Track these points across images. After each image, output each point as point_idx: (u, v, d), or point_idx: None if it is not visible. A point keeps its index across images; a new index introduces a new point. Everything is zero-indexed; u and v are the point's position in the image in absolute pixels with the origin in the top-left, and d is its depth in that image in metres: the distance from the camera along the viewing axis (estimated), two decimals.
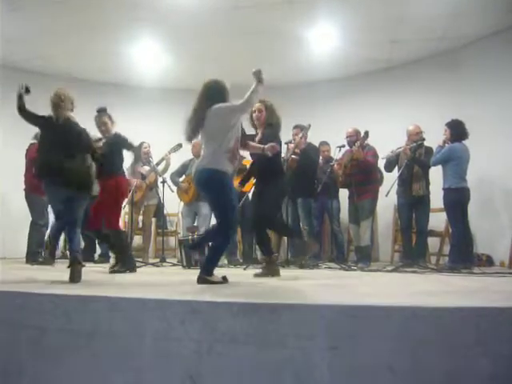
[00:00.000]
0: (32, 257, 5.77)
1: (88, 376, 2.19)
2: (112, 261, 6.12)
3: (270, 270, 3.97)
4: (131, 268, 4.51)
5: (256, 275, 3.91)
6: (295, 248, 4.19)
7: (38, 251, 5.93)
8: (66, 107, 3.85)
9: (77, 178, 3.68)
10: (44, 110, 3.88)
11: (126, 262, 4.52)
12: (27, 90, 3.77)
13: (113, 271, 4.45)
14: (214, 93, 3.37)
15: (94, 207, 4.53)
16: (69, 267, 3.40)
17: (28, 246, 5.91)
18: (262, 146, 3.86)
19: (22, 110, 3.73)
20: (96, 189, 4.93)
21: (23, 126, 4.01)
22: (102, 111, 4.66)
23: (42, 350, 2.30)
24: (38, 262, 5.56)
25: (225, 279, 3.24)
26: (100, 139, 4.47)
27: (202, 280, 3.15)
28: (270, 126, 4.13)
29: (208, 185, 3.30)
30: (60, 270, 4.54)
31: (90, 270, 4.91)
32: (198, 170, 3.35)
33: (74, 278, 3.32)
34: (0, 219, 6.94)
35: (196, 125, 3.35)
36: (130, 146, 4.66)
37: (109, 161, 4.49)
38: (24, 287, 2.83)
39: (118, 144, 4.60)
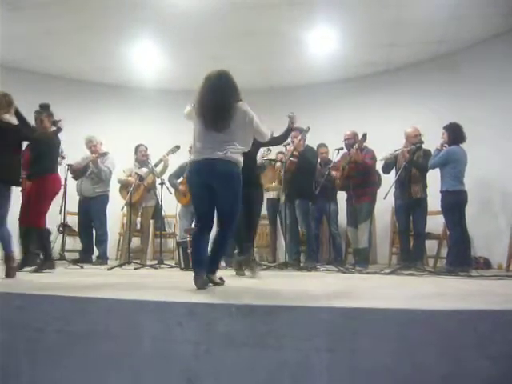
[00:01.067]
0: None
1: (86, 378, 2.18)
2: (110, 262, 6.13)
3: (254, 271, 4.05)
4: (49, 266, 4.58)
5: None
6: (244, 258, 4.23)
7: (36, 253, 5.91)
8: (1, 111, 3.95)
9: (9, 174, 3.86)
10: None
11: (43, 263, 4.60)
12: None
13: (33, 270, 4.51)
14: (234, 84, 3.29)
15: (23, 204, 4.73)
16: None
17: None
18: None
19: None
20: None
21: None
22: (42, 108, 4.73)
23: (40, 351, 2.29)
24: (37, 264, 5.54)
25: (222, 280, 3.23)
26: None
27: (208, 280, 3.09)
28: None
29: (234, 177, 3.18)
30: (57, 272, 4.55)
31: (87, 272, 4.92)
32: (214, 161, 3.14)
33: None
34: None
35: (223, 116, 3.17)
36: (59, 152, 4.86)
37: (40, 158, 4.63)
38: (22, 288, 2.83)
39: (50, 143, 4.72)
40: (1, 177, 3.79)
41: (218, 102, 3.19)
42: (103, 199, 6.52)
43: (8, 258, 3.74)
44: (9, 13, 5.94)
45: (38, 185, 4.59)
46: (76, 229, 6.80)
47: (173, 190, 6.17)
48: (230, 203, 3.21)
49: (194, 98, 3.34)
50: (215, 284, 3.14)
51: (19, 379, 2.30)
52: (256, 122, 3.34)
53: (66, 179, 5.81)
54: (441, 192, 5.19)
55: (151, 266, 5.54)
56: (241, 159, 3.25)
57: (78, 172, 6.40)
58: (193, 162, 3.27)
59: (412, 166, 5.30)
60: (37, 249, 4.91)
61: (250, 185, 4.02)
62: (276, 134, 4.49)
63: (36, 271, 4.50)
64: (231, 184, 3.19)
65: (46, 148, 4.68)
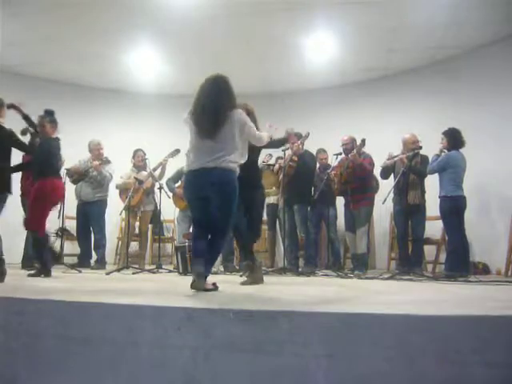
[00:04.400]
0: (28, 262, 5.74)
1: (83, 383, 2.17)
2: (109, 267, 6.13)
3: (255, 277, 3.93)
4: (45, 273, 4.53)
5: (242, 284, 3.85)
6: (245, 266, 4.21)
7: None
8: None
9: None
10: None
11: (41, 269, 4.57)
12: None
13: (29, 275, 4.53)
14: (230, 91, 3.25)
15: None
16: None
17: (24, 251, 5.88)
18: None
19: None
20: None
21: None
22: (47, 113, 4.73)
23: (37, 356, 2.28)
24: (34, 268, 5.53)
25: (215, 286, 3.18)
26: (27, 129, 4.56)
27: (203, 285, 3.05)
28: None
29: (230, 185, 3.15)
30: (55, 276, 4.54)
31: (86, 277, 4.91)
32: (219, 167, 3.11)
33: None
34: None
35: (217, 123, 3.14)
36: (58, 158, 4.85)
37: (40, 162, 4.65)
38: (20, 293, 2.82)
39: (51, 148, 4.72)
40: None
41: (210, 108, 3.15)
42: (102, 204, 6.52)
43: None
44: (8, 18, 5.95)
45: (37, 188, 4.58)
46: (74, 233, 6.79)
47: (171, 195, 6.17)
48: (224, 212, 3.18)
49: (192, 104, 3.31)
50: (207, 290, 3.07)
51: (19, 381, 2.29)
52: (249, 127, 3.30)
53: (64, 183, 5.80)
54: (439, 197, 5.20)
55: (149, 271, 5.53)
56: (237, 167, 3.22)
57: (76, 176, 6.40)
58: (188, 171, 3.24)
59: (410, 171, 5.30)
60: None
61: (250, 187, 4.02)
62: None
63: (32, 276, 4.49)
64: (227, 193, 3.17)
65: (45, 152, 4.68)
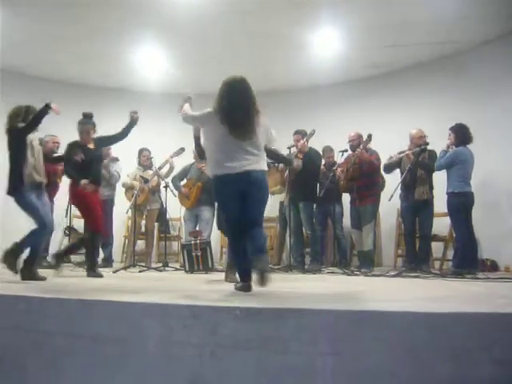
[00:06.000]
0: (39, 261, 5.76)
1: (91, 380, 2.18)
2: (116, 265, 6.16)
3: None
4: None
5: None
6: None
7: (44, 256, 5.93)
8: (15, 120, 4.00)
9: (11, 185, 3.93)
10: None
11: (91, 267, 4.59)
12: None
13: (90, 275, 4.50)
14: (253, 94, 3.20)
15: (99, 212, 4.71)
16: None
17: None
18: None
19: None
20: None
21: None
22: (86, 117, 4.76)
23: (45, 354, 2.30)
24: (43, 267, 5.56)
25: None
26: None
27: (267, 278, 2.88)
28: None
29: (265, 186, 3.18)
30: (62, 275, 4.56)
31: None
32: (253, 170, 3.09)
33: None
34: (4, 223, 6.99)
35: (250, 126, 3.11)
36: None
37: (97, 169, 4.71)
38: (28, 291, 2.83)
39: (99, 153, 4.80)
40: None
41: (247, 113, 3.10)
42: (110, 202, 6.54)
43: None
44: (13, 18, 5.98)
45: (97, 194, 4.69)
46: (81, 232, 6.82)
47: (177, 193, 6.18)
48: (259, 213, 3.19)
49: (213, 103, 3.19)
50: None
51: (24, 382, 2.31)
52: (271, 132, 3.33)
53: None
54: (447, 193, 5.17)
55: (156, 269, 5.55)
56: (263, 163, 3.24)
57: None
58: (224, 175, 3.11)
59: (418, 167, 5.27)
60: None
61: None
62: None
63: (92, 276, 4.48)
64: (263, 192, 3.17)
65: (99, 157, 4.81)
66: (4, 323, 2.42)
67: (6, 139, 3.98)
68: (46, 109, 3.93)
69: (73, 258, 6.22)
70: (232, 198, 3.13)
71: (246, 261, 3.10)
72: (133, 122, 4.85)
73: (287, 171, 5.73)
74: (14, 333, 2.39)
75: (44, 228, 3.96)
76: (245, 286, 3.07)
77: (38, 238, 3.97)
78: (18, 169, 3.93)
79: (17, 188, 3.91)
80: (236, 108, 3.09)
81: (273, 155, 4.03)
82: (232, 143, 3.07)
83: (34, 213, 3.92)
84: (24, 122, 3.96)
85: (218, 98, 3.16)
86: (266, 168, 3.22)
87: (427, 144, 5.31)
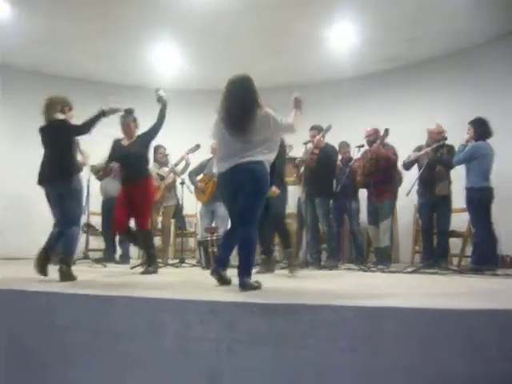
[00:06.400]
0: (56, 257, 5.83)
1: (109, 375, 2.21)
2: (133, 261, 6.21)
3: (267, 267, 4.02)
4: (155, 268, 4.53)
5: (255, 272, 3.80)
6: (286, 255, 4.27)
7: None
8: (51, 111, 3.89)
9: (59, 174, 3.76)
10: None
11: (152, 263, 4.53)
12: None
13: (144, 272, 4.45)
14: (254, 90, 3.26)
15: (120, 210, 4.55)
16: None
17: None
18: None
19: None
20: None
21: None
22: (127, 113, 4.65)
23: (65, 349, 2.33)
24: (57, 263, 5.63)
25: (258, 283, 3.06)
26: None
27: (245, 285, 2.94)
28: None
29: (256, 178, 3.15)
30: (81, 271, 4.61)
31: (110, 271, 4.98)
32: (241, 163, 3.15)
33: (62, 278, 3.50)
34: (26, 220, 7.11)
35: (245, 123, 3.16)
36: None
37: (137, 163, 4.59)
38: (49, 288, 2.87)
39: (143, 146, 4.68)
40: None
41: (240, 110, 3.17)
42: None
43: (60, 261, 3.63)
44: (32, 17, 6.07)
45: (144, 189, 4.55)
46: (99, 228, 6.90)
47: (193, 188, 6.20)
48: (249, 199, 3.16)
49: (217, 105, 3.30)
50: (253, 288, 2.96)
51: (44, 375, 2.35)
52: (276, 122, 3.27)
53: (88, 180, 5.88)
54: (466, 189, 5.09)
55: (172, 265, 5.58)
56: (261, 156, 3.20)
57: (100, 173, 6.48)
58: (219, 174, 3.28)
59: (437, 162, 5.21)
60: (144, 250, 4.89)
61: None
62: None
63: (144, 273, 4.42)
64: (254, 184, 3.15)
65: (142, 150, 4.69)
66: (25, 318, 2.47)
67: (42, 130, 3.92)
68: (100, 116, 3.93)
69: (91, 254, 6.31)
70: (227, 193, 3.28)
71: (227, 253, 3.29)
72: (161, 102, 4.82)
73: (303, 167, 5.71)
74: (34, 327, 2.43)
75: (79, 221, 3.94)
76: (215, 273, 3.15)
77: (76, 236, 3.89)
78: (70, 156, 3.88)
79: (73, 172, 3.84)
80: (230, 108, 3.20)
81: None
82: (229, 141, 3.21)
83: (80, 202, 3.89)
84: (62, 112, 3.92)
85: (220, 102, 3.29)
86: (259, 159, 3.16)
87: (446, 139, 5.25)
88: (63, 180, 3.77)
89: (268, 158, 3.25)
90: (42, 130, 3.90)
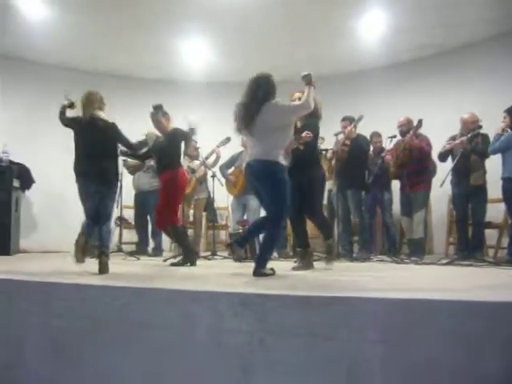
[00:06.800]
0: (90, 250, 5.97)
1: (142, 365, 2.25)
2: (166, 254, 6.31)
3: (305, 263, 3.99)
4: (192, 262, 4.58)
5: (293, 269, 3.91)
6: (326, 247, 4.25)
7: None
8: (91, 106, 3.99)
9: (106, 174, 3.88)
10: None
11: (186, 256, 4.61)
12: (71, 105, 4.11)
13: (173, 264, 4.60)
14: (265, 87, 3.36)
15: (157, 205, 4.84)
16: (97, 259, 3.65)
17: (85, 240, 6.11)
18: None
19: (62, 119, 4.06)
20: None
21: None
22: (156, 109, 4.72)
23: (98, 340, 2.39)
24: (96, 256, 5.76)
25: (273, 270, 3.29)
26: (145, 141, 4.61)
27: (258, 273, 3.19)
28: (310, 116, 3.95)
29: (262, 174, 3.32)
30: (115, 263, 4.72)
31: (144, 263, 5.08)
32: (250, 162, 3.38)
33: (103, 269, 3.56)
34: (61, 215, 7.31)
35: (248, 118, 3.33)
36: (186, 137, 4.91)
37: (165, 156, 4.69)
38: (82, 280, 2.95)
39: (173, 139, 4.75)
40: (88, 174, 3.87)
41: (247, 108, 3.36)
42: (159, 193, 6.67)
43: (102, 254, 3.70)
44: (63, 15, 6.19)
45: (171, 181, 4.65)
46: (132, 222, 7.02)
47: (224, 181, 6.24)
48: (265, 199, 3.39)
49: None
50: (265, 275, 3.20)
51: (81, 366, 2.41)
52: (283, 107, 3.40)
53: (121, 174, 5.99)
54: (502, 179, 4.96)
55: (204, 258, 5.64)
56: (271, 151, 3.30)
57: (132, 167, 6.59)
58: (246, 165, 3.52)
59: (470, 152, 5.08)
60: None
61: (306, 168, 4.04)
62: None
63: (176, 265, 4.57)
64: (260, 182, 3.36)
65: (173, 144, 4.77)
66: (60, 310, 2.53)
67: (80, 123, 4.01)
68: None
69: (124, 247, 6.43)
70: (251, 186, 3.60)
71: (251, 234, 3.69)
72: (191, 133, 5.07)
73: (334, 159, 5.66)
74: (69, 319, 2.49)
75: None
76: (235, 249, 3.47)
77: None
78: (116, 158, 4.11)
79: (118, 174, 4.15)
80: (242, 107, 3.39)
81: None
82: (247, 136, 3.49)
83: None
84: (100, 109, 4.04)
85: None
86: (271, 158, 3.28)
87: (480, 128, 5.11)
88: (111, 181, 3.95)
89: (278, 152, 3.34)
90: (80, 123, 3.98)
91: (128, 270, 4.01)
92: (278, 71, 3.70)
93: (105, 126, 3.95)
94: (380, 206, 6.21)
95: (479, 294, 2.35)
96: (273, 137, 3.31)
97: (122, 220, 6.56)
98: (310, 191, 4.06)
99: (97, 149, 3.86)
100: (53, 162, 7.17)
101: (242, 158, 6.12)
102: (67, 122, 4.05)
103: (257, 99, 3.32)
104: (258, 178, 3.35)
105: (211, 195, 6.14)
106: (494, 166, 5.15)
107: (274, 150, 3.30)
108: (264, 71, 3.44)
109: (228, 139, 6.09)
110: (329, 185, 6.65)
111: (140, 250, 6.54)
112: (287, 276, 3.35)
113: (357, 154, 5.64)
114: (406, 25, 6.57)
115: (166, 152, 4.69)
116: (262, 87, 3.34)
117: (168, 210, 4.66)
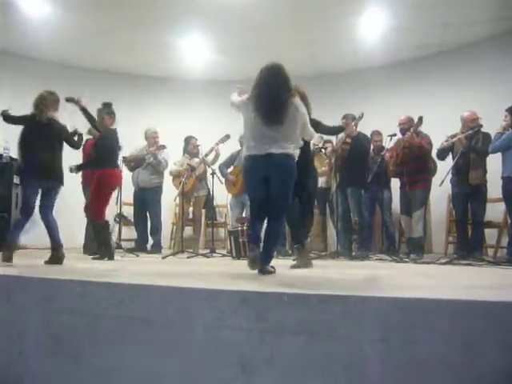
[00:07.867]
0: (89, 248, 5.97)
1: (140, 362, 2.25)
2: (165, 251, 6.31)
3: (303, 261, 3.96)
4: (109, 256, 4.76)
5: (292, 267, 3.88)
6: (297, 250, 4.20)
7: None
8: (52, 107, 4.21)
9: (56, 171, 4.14)
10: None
11: (104, 253, 4.77)
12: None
13: (94, 258, 4.80)
14: (288, 80, 3.30)
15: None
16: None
17: (85, 238, 6.12)
18: None
19: (5, 118, 4.24)
20: None
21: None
22: (104, 106, 4.94)
23: (98, 336, 2.39)
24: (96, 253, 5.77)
25: (273, 268, 3.28)
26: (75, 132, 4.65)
27: (265, 271, 3.17)
28: None
29: (284, 167, 3.24)
30: (115, 260, 4.71)
31: (143, 260, 5.08)
32: (270, 152, 3.21)
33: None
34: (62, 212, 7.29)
35: (281, 108, 3.22)
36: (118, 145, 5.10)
37: (97, 153, 4.95)
38: (82, 276, 2.95)
39: (105, 139, 4.93)
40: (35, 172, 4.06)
41: (274, 99, 3.21)
42: (158, 190, 6.69)
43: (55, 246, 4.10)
44: (63, 12, 6.18)
45: (98, 179, 4.85)
46: (131, 219, 7.02)
47: (223, 180, 6.23)
48: (280, 194, 3.27)
49: (250, 91, 3.37)
50: (265, 273, 3.17)
51: (81, 360, 2.41)
52: (304, 118, 3.37)
53: (121, 171, 5.99)
54: (502, 178, 4.97)
55: (203, 255, 5.64)
56: (296, 152, 3.29)
57: (132, 164, 6.59)
58: (250, 156, 3.31)
59: (470, 151, 5.08)
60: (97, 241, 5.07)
61: (301, 170, 4.02)
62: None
63: (97, 259, 4.76)
64: (286, 177, 3.25)
65: (105, 144, 4.93)
66: (61, 306, 2.53)
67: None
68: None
69: (123, 244, 6.43)
70: (255, 179, 3.32)
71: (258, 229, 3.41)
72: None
73: (334, 157, 5.66)
74: (70, 315, 2.49)
75: None
76: (252, 253, 3.26)
77: None
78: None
79: None
80: (265, 96, 3.23)
81: (326, 130, 4.33)
82: (260, 129, 3.23)
83: None
84: (56, 110, 4.25)
85: (252, 87, 3.33)
86: (291, 152, 3.24)
87: (480, 126, 5.11)
88: (59, 178, 4.21)
89: (295, 152, 3.31)
90: (40, 123, 4.15)
91: (127, 267, 4.01)
92: None
93: (59, 128, 4.23)
94: (379, 204, 6.21)
95: (478, 293, 2.35)
96: (295, 133, 3.31)
97: (121, 217, 6.56)
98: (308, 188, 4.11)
99: (49, 148, 4.12)
100: None
101: (241, 157, 6.12)
102: (17, 120, 4.21)
103: (284, 92, 3.24)
104: (280, 168, 3.22)
105: (211, 193, 6.14)
106: (493, 165, 5.15)
107: (295, 145, 3.30)
108: (276, 62, 3.34)
109: (227, 136, 6.10)
110: (328, 183, 6.68)
111: (139, 247, 6.54)
112: (287, 274, 3.35)
113: (357, 152, 5.63)
114: (405, 24, 6.57)
115: (98, 149, 4.96)
116: (286, 78, 3.28)
117: (95, 206, 4.87)
